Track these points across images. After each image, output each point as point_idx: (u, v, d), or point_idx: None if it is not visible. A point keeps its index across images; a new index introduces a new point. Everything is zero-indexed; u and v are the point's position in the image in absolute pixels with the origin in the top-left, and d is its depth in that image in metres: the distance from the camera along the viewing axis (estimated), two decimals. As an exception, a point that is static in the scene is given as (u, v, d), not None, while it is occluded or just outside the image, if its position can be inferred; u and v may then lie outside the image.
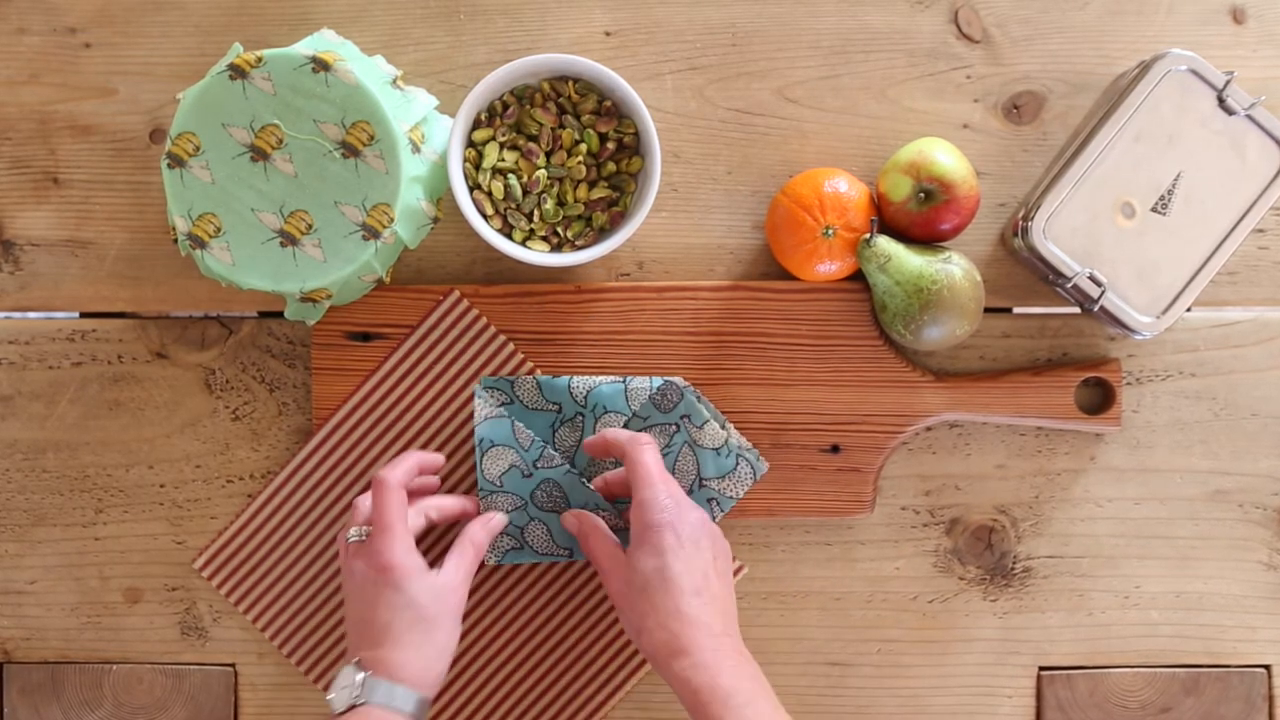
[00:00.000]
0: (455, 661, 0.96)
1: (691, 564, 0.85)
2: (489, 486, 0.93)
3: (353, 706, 0.83)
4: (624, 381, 0.93)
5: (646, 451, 0.88)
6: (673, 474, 0.93)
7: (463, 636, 0.96)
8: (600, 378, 0.94)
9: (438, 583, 0.87)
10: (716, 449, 0.93)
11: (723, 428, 0.94)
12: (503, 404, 0.94)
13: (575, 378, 0.94)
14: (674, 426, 0.93)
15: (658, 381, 0.93)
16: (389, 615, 0.85)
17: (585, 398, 0.93)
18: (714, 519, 0.94)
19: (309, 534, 0.97)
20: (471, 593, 0.96)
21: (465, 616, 0.96)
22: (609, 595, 0.89)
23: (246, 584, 0.97)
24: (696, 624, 0.83)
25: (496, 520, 0.93)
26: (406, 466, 0.89)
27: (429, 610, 0.85)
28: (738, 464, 0.94)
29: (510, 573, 0.96)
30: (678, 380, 0.93)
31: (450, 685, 0.96)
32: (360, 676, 0.84)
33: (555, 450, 0.94)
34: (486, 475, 0.93)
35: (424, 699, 0.84)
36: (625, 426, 0.94)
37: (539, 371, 0.95)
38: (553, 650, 0.97)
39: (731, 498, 0.94)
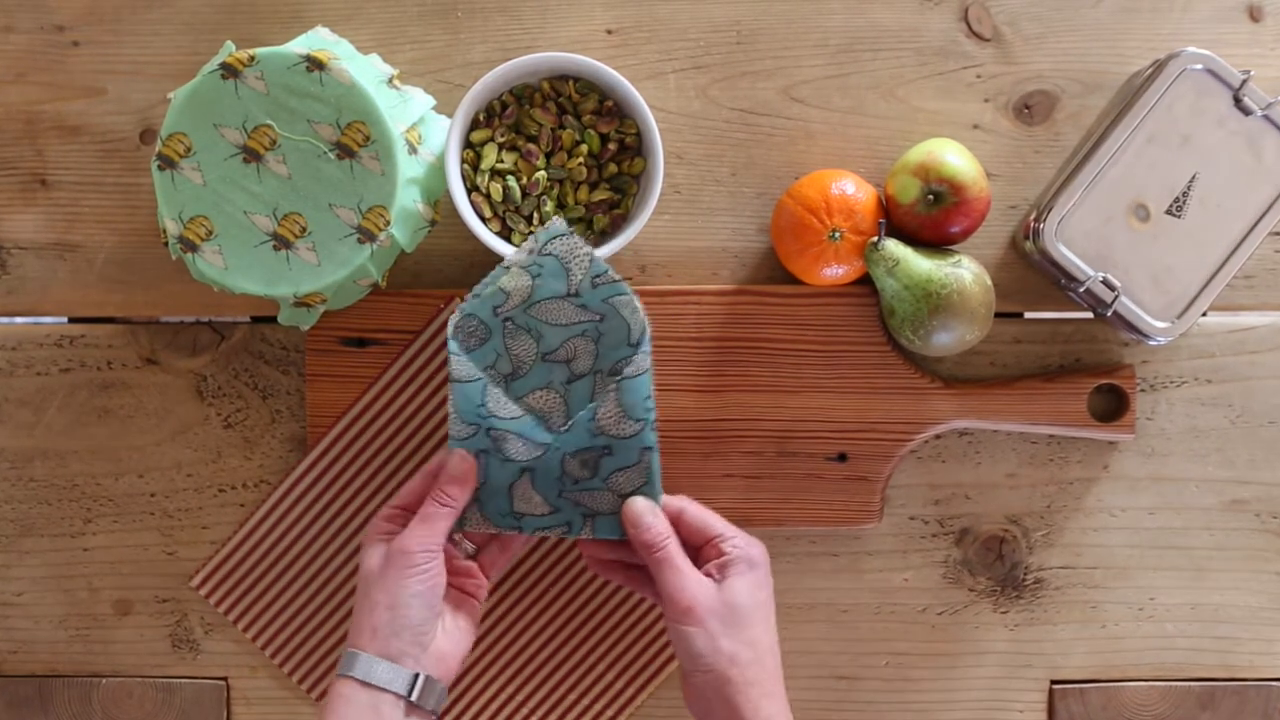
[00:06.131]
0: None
1: (774, 614, 0.87)
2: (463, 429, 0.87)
3: None
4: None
5: (701, 505, 0.89)
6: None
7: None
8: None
9: None
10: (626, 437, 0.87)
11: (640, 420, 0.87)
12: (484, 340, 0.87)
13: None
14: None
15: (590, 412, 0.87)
16: None
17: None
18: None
19: (309, 549, 0.95)
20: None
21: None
22: (686, 607, 0.84)
23: (245, 601, 0.96)
24: (779, 672, 0.85)
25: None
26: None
27: None
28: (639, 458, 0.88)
29: (515, 585, 0.95)
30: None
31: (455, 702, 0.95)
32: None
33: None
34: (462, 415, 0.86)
35: None
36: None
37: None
38: (560, 665, 0.95)
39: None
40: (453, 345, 0.86)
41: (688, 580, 0.85)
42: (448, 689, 0.84)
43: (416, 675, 0.82)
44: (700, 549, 0.87)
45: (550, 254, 0.86)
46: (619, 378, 0.86)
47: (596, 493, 0.87)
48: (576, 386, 0.87)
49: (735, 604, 0.84)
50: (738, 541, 0.86)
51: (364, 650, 0.82)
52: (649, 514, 0.86)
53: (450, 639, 0.85)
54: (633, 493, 0.87)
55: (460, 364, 0.86)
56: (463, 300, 0.86)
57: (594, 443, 0.87)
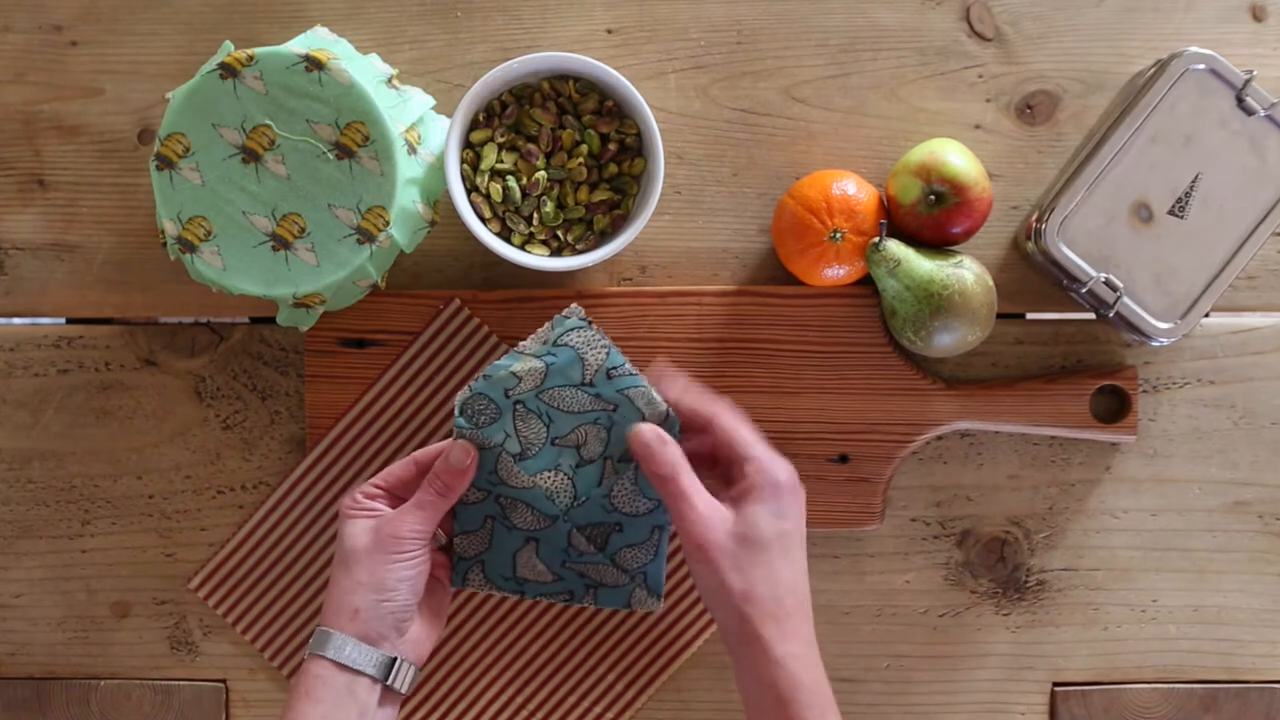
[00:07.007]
0: (444, 685, 0.95)
1: (803, 542, 0.83)
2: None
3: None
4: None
5: (736, 414, 0.84)
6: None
7: (449, 654, 0.95)
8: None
9: None
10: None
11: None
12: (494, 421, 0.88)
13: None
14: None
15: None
16: None
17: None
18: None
19: (308, 550, 0.95)
20: (463, 615, 0.95)
21: (456, 632, 0.94)
22: (696, 544, 0.81)
23: (244, 603, 0.95)
24: (804, 607, 0.81)
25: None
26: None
27: None
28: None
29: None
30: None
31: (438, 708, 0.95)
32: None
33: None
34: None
35: None
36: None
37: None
38: (560, 667, 0.95)
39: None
40: (460, 421, 0.85)
41: (699, 514, 0.81)
42: (419, 670, 0.84)
43: (394, 659, 0.82)
44: (731, 465, 0.84)
45: (566, 345, 0.85)
46: (634, 463, 0.85)
47: (602, 566, 0.87)
48: (585, 471, 0.86)
49: (749, 536, 0.80)
50: (761, 464, 0.82)
51: (341, 630, 0.81)
52: (657, 441, 0.83)
53: (424, 623, 0.85)
54: (638, 568, 0.87)
55: (471, 435, 0.86)
56: (473, 379, 0.86)
57: (606, 518, 0.87)
